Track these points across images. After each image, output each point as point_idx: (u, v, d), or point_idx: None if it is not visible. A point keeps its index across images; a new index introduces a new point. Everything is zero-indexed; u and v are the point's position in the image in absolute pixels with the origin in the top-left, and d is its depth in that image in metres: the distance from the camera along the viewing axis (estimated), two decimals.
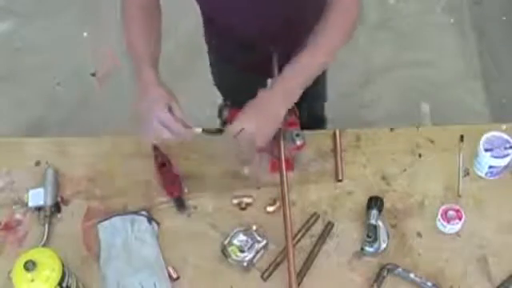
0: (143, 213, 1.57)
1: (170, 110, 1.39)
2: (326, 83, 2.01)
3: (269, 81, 1.65)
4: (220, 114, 1.62)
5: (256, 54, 1.64)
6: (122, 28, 1.51)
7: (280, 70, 1.52)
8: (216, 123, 1.76)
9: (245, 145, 1.42)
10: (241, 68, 1.76)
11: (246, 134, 1.39)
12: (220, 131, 1.48)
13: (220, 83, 2.04)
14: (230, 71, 1.86)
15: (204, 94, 2.60)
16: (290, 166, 1.61)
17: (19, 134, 2.56)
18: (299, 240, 1.53)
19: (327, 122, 2.26)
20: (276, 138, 1.53)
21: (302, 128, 1.58)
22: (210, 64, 1.97)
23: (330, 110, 2.30)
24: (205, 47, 1.89)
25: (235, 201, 1.59)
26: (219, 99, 2.02)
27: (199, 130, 1.45)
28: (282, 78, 1.41)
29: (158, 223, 1.57)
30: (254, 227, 1.53)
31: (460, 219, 1.50)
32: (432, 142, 1.68)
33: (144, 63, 1.43)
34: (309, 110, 1.77)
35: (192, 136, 1.43)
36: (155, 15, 1.53)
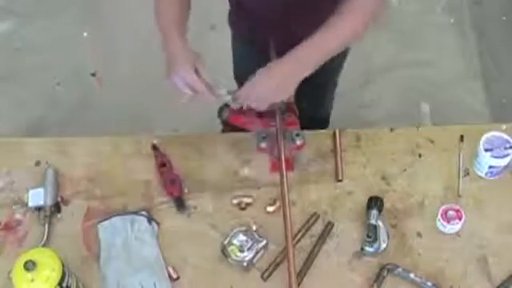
0: (143, 213, 1.57)
1: (197, 72, 1.44)
2: (340, 72, 2.03)
3: None
4: (220, 114, 1.62)
5: (279, 36, 1.64)
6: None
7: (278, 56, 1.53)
8: (216, 123, 1.77)
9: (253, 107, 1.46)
10: (263, 51, 1.76)
11: (254, 97, 1.43)
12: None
13: (241, 70, 2.02)
14: (253, 55, 1.85)
15: None
16: (290, 166, 1.61)
17: (19, 134, 2.55)
18: (299, 240, 1.53)
19: (329, 122, 2.26)
20: (276, 138, 1.53)
21: (303, 127, 1.58)
22: (233, 50, 1.97)
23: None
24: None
25: (235, 201, 1.59)
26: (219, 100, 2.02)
27: (224, 91, 1.50)
28: (294, 52, 1.42)
29: (157, 223, 1.57)
30: (254, 227, 1.54)
31: (460, 219, 1.50)
32: (432, 142, 1.68)
33: (172, 32, 1.48)
34: (319, 95, 1.77)
35: (216, 97, 1.49)
36: None
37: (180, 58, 1.46)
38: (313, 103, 1.79)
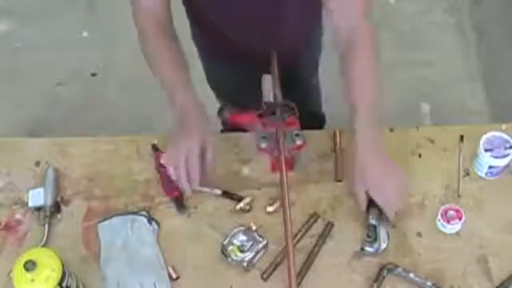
0: (143, 213, 1.57)
1: (202, 156, 1.37)
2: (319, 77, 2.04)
3: (264, 77, 1.65)
4: (220, 115, 1.62)
5: (255, 52, 1.64)
6: (144, 57, 1.50)
7: (279, 67, 1.53)
8: (216, 123, 1.77)
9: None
10: (237, 66, 1.75)
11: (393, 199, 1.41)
12: (240, 198, 1.56)
13: (217, 86, 2.02)
14: (226, 72, 1.85)
15: (204, 94, 2.61)
16: (290, 166, 1.61)
17: (19, 134, 2.56)
18: (299, 240, 1.52)
19: (326, 119, 2.26)
20: (276, 138, 1.53)
21: (303, 127, 1.58)
22: (204, 68, 1.94)
23: (329, 109, 2.30)
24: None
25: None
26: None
27: (219, 192, 1.54)
28: (365, 132, 1.39)
29: (157, 223, 1.57)
30: (254, 227, 1.53)
31: (460, 219, 1.50)
32: (432, 141, 1.68)
33: (178, 88, 1.41)
34: (305, 107, 1.77)
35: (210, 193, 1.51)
36: (173, 36, 1.51)
37: (192, 132, 1.37)
38: (300, 101, 1.79)
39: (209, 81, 2.00)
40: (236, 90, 1.83)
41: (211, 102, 1.62)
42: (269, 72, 1.60)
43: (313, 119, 2.09)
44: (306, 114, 1.63)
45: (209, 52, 1.84)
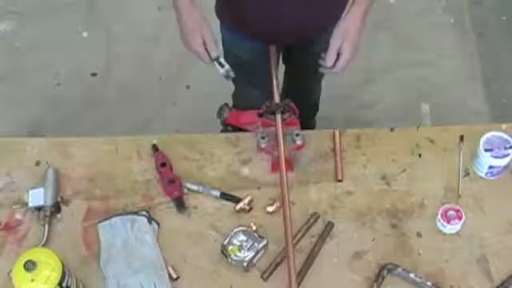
0: (143, 213, 1.57)
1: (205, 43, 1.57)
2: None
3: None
4: (220, 115, 1.62)
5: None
6: None
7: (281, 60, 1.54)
8: (216, 123, 1.77)
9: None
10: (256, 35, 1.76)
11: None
12: (238, 200, 1.58)
13: (230, 56, 2.00)
14: (242, 43, 1.83)
15: (204, 94, 2.61)
16: (290, 166, 1.61)
17: (19, 134, 2.55)
18: (299, 240, 1.53)
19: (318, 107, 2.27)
20: (276, 138, 1.54)
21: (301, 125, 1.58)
22: (224, 44, 1.93)
23: (330, 110, 2.30)
24: None
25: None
26: (220, 99, 2.01)
27: (217, 193, 1.59)
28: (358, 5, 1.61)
29: (157, 223, 1.57)
30: (254, 227, 1.53)
31: (460, 219, 1.51)
32: (432, 141, 1.68)
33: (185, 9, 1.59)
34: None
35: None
36: None
37: (191, 28, 1.57)
38: (303, 90, 1.78)
39: (226, 57, 2.00)
40: (252, 70, 1.83)
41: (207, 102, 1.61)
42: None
43: (309, 108, 2.09)
44: (306, 105, 1.62)
45: (232, 29, 1.84)
